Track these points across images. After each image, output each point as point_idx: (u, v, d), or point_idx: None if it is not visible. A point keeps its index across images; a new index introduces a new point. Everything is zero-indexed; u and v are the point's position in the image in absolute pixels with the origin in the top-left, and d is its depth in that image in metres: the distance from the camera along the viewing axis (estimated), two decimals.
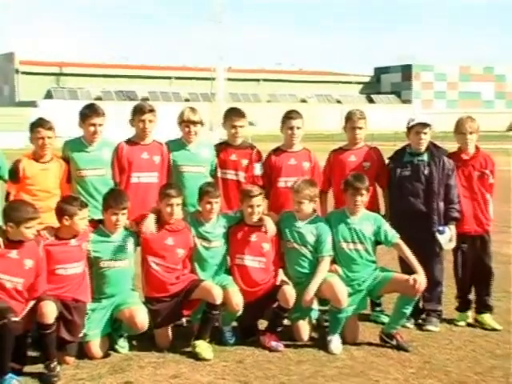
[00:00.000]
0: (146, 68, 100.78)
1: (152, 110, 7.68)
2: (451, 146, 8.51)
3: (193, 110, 7.91)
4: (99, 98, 77.22)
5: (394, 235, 7.37)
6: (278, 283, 7.31)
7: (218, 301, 6.93)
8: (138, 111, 7.62)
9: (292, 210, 7.47)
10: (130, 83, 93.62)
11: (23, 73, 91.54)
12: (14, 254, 6.42)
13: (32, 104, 75.79)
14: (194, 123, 7.73)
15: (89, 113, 7.46)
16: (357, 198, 7.29)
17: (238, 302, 7.11)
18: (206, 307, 7.01)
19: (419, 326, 7.83)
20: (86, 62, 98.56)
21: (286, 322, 7.41)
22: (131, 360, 6.77)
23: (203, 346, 6.89)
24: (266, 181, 7.87)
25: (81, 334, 6.78)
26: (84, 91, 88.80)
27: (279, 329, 7.28)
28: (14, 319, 6.06)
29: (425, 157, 7.90)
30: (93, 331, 6.85)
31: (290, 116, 7.96)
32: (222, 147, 7.96)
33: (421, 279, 7.08)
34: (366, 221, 7.42)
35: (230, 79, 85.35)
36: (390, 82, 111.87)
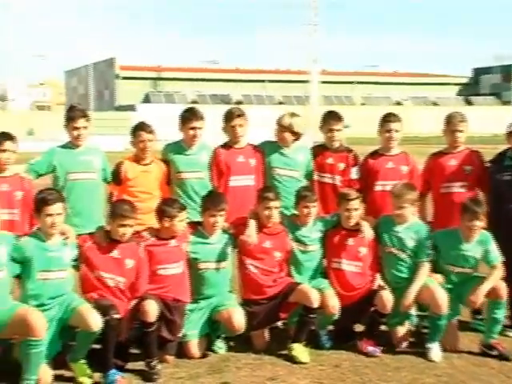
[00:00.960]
0: (240, 72, 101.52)
1: (241, 115, 7.71)
2: None
3: (293, 114, 7.90)
4: (195, 102, 78.28)
5: (496, 257, 7.18)
6: (375, 288, 7.25)
7: (315, 304, 6.90)
8: (228, 117, 7.68)
9: (390, 215, 7.38)
10: (225, 87, 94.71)
11: (123, 78, 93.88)
12: (115, 253, 6.62)
13: (130, 108, 77.48)
14: (293, 128, 7.69)
15: (189, 116, 7.55)
16: (474, 223, 7.08)
17: (334, 305, 7.06)
18: (302, 310, 6.99)
19: None
20: (181, 66, 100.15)
21: (383, 327, 7.36)
22: (228, 361, 6.81)
23: (300, 350, 6.88)
24: (363, 184, 7.76)
25: (180, 334, 6.88)
26: (180, 95, 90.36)
27: (376, 334, 7.23)
28: (116, 317, 6.22)
29: None
30: (192, 331, 6.95)
31: (388, 119, 7.85)
32: (318, 150, 7.90)
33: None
34: (478, 245, 7.18)
35: (323, 82, 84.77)
36: (490, 83, 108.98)
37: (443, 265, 7.29)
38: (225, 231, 7.22)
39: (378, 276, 7.42)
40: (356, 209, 7.25)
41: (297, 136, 7.76)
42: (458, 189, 7.68)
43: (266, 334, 7.26)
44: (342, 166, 7.77)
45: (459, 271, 7.24)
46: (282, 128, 7.70)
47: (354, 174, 7.77)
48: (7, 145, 6.80)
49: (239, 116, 7.67)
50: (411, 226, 7.30)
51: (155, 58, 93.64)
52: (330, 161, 7.76)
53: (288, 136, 7.70)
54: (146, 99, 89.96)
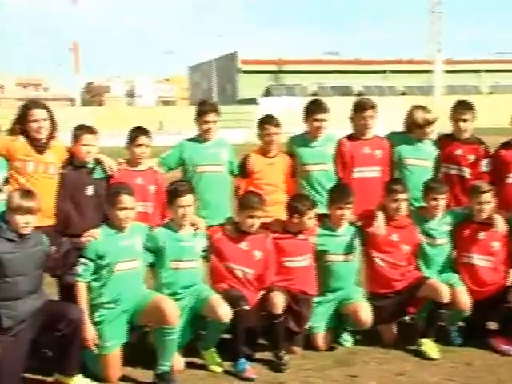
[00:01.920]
0: (360, 63, 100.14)
1: (373, 107, 7.63)
2: None
3: (425, 109, 7.77)
4: (316, 94, 77.56)
5: None
6: (509, 284, 7.04)
7: (446, 299, 6.80)
8: (359, 108, 7.59)
9: None
10: (345, 78, 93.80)
11: (244, 72, 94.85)
12: (244, 244, 6.71)
13: (252, 101, 78.19)
14: (430, 124, 7.58)
15: (314, 108, 7.53)
16: None
17: (465, 301, 6.93)
18: (431, 305, 6.90)
19: None
20: (302, 58, 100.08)
21: None
22: (355, 354, 6.80)
23: (429, 345, 6.79)
24: (495, 177, 7.51)
25: (307, 326, 6.90)
26: (301, 87, 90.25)
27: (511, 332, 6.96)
28: (246, 308, 6.31)
29: None
30: (318, 324, 6.96)
31: None
32: (446, 141, 7.71)
33: None
34: None
35: (447, 71, 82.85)
36: None
37: None
38: (352, 224, 7.18)
39: (511, 272, 7.19)
40: (489, 202, 7.06)
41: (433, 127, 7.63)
42: None
43: (394, 328, 7.19)
44: (471, 157, 7.55)
45: None
46: (419, 125, 7.55)
47: (484, 166, 7.53)
48: (142, 139, 6.97)
49: (372, 107, 7.59)
50: None
51: (276, 52, 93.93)
52: (458, 152, 7.57)
53: (427, 131, 7.57)
54: (267, 92, 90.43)
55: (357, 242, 7.19)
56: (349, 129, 7.74)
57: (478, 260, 7.14)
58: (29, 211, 5.75)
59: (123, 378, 6.12)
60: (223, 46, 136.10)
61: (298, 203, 6.85)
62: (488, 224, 7.10)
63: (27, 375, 6.01)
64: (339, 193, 7.06)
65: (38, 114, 6.55)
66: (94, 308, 6.14)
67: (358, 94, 69.40)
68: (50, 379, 6.03)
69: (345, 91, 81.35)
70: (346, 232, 7.13)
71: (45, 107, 6.68)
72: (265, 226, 6.90)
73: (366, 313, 6.85)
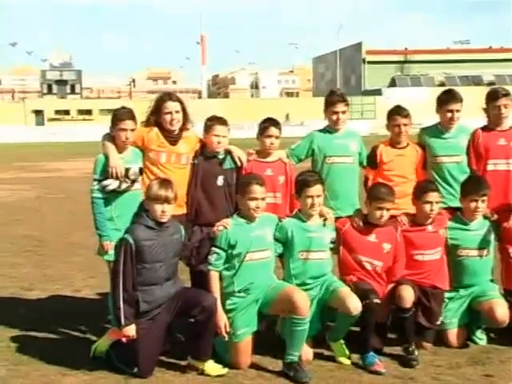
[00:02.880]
0: (492, 51, 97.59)
1: (507, 95, 7.36)
2: None
3: None
4: (442, 84, 76.17)
5: None
6: None
7: None
8: (493, 97, 7.36)
9: None
10: (475, 67, 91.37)
11: (369, 62, 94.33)
12: (372, 237, 6.65)
13: (377, 92, 77.59)
14: None
15: (447, 99, 7.36)
16: None
17: None
18: None
19: None
20: (429, 48, 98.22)
21: None
22: (490, 353, 6.62)
23: None
24: None
25: (438, 322, 6.78)
26: (427, 78, 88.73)
27: None
28: (376, 301, 6.24)
29: None
30: (451, 320, 6.84)
31: None
32: None
33: None
34: None
35: None
36: None
37: None
38: (486, 217, 6.99)
39: None
40: None
41: None
42: None
43: None
44: None
45: None
46: None
47: None
48: (272, 131, 6.99)
49: (505, 95, 7.32)
50: None
51: (402, 42, 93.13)
52: None
53: None
54: (393, 83, 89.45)
55: (491, 237, 7.00)
56: (481, 120, 7.53)
57: None
58: (166, 200, 5.95)
59: (252, 366, 6.17)
60: (349, 35, 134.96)
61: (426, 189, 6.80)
62: None
63: (162, 358, 6.19)
64: (473, 184, 6.90)
65: (172, 106, 6.72)
66: (225, 296, 6.25)
67: (489, 84, 67.30)
68: (183, 363, 6.16)
69: (474, 81, 78.98)
70: (479, 226, 6.95)
71: (178, 100, 6.84)
72: (394, 219, 6.81)
73: (502, 311, 6.66)
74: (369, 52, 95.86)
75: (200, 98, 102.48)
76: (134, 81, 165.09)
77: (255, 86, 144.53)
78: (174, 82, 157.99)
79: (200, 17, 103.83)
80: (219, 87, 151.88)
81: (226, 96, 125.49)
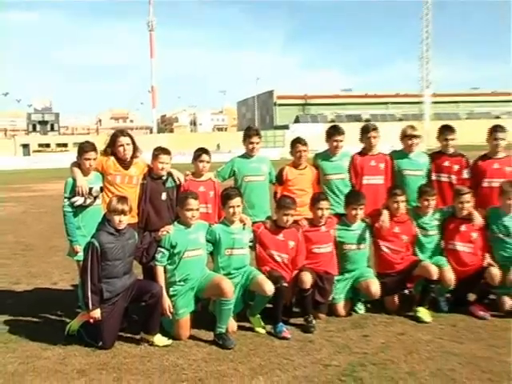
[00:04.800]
0: (368, 97, 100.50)
1: (375, 129, 7.49)
2: None
3: (412, 127, 7.60)
4: (333, 121, 77.62)
5: None
6: (484, 265, 6.81)
7: (435, 277, 6.66)
8: (365, 131, 7.46)
9: (497, 206, 6.97)
10: (356, 108, 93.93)
11: (279, 104, 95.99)
12: (281, 236, 6.64)
13: (285, 127, 78.42)
14: (415, 137, 7.41)
15: (333, 132, 7.40)
16: None
17: (450, 278, 6.77)
18: (424, 281, 6.75)
19: None
20: (323, 94, 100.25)
21: (492, 296, 6.97)
22: (367, 319, 6.70)
23: (423, 312, 6.65)
24: (474, 182, 7.31)
25: (330, 298, 6.81)
26: (322, 116, 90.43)
27: (486, 301, 6.88)
28: (284, 285, 6.24)
29: None
30: (339, 296, 6.88)
31: (496, 129, 7.38)
32: (436, 155, 7.49)
33: None
34: None
35: (434, 102, 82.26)
36: None
37: None
38: (363, 220, 7.04)
39: (487, 255, 6.96)
40: (468, 201, 6.94)
41: (419, 140, 7.46)
42: None
43: (396, 299, 7.04)
44: (456, 167, 7.36)
45: None
46: (407, 137, 7.41)
47: (465, 174, 7.33)
48: (204, 157, 6.92)
49: (374, 129, 7.44)
50: None
51: (303, 89, 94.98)
52: (446, 163, 7.37)
53: (414, 141, 7.38)
54: (297, 120, 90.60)
55: (367, 235, 7.06)
56: (359, 147, 7.59)
57: (461, 247, 6.99)
58: (123, 212, 5.84)
59: (191, 337, 6.09)
60: (263, 85, 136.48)
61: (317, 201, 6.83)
62: (468, 219, 6.97)
63: (121, 333, 6.06)
64: (353, 196, 6.99)
65: (124, 140, 6.56)
66: (169, 285, 6.14)
67: (366, 121, 69.00)
68: (137, 337, 6.05)
69: (356, 118, 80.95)
70: (358, 227, 7.00)
71: (129, 135, 6.70)
72: (297, 223, 6.79)
73: (375, 287, 6.77)
74: (279, 97, 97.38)
75: (151, 133, 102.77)
76: (100, 120, 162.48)
77: (194, 123, 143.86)
78: (132, 121, 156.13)
79: (151, 72, 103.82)
80: (166, 124, 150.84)
81: (171, 131, 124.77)
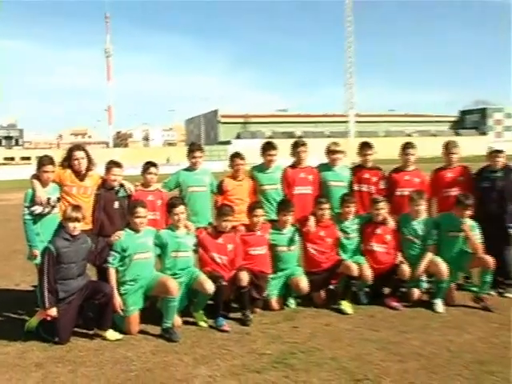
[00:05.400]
0: (301, 116, 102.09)
1: (304, 144, 7.60)
2: None
3: (336, 143, 7.77)
4: (271, 137, 78.24)
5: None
6: (397, 262, 7.05)
7: (355, 274, 6.81)
8: (295, 146, 7.57)
9: (408, 212, 7.19)
10: (291, 126, 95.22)
11: (223, 122, 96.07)
12: (220, 240, 6.65)
13: (228, 143, 78.52)
14: (338, 152, 7.57)
15: (267, 147, 7.48)
16: (466, 212, 6.88)
17: (368, 274, 6.95)
18: (346, 278, 6.89)
19: (500, 294, 7.34)
20: (261, 113, 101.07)
21: (403, 289, 7.16)
22: (297, 312, 6.78)
23: (346, 305, 6.80)
24: (388, 191, 7.53)
25: (265, 294, 6.86)
26: (261, 133, 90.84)
27: (398, 294, 7.07)
28: (223, 283, 6.30)
29: (499, 173, 7.44)
30: (273, 292, 6.91)
31: (407, 146, 7.68)
32: (357, 169, 7.67)
33: (487, 257, 6.74)
34: (471, 223, 6.99)
35: (357, 121, 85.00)
36: (471, 120, 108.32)
37: (444, 233, 7.03)
38: (293, 225, 7.12)
39: (399, 254, 7.20)
40: (383, 208, 7.13)
41: (342, 155, 7.59)
42: (454, 193, 7.37)
43: (323, 294, 7.17)
44: (374, 179, 7.56)
45: (453, 235, 7.01)
46: (331, 152, 7.59)
47: (382, 184, 7.56)
48: (152, 169, 6.94)
49: (303, 145, 7.56)
50: (422, 221, 7.10)
51: (244, 108, 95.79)
52: (366, 176, 7.56)
53: (337, 155, 7.52)
54: (238, 136, 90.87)
55: (297, 238, 7.12)
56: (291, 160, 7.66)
57: (377, 247, 7.15)
58: (76, 220, 5.85)
59: (140, 332, 6.08)
60: (209, 105, 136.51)
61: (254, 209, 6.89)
62: (383, 223, 7.15)
63: (76, 329, 6.02)
64: (284, 204, 7.04)
65: (79, 154, 6.51)
66: (120, 284, 6.12)
67: (299, 137, 70.04)
68: (91, 332, 6.03)
69: (290, 135, 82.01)
70: (289, 231, 7.06)
71: (83, 149, 6.63)
72: (235, 228, 6.86)
73: (304, 284, 6.86)
74: (222, 116, 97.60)
75: (108, 147, 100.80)
76: (61, 136, 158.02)
77: (146, 138, 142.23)
78: (90, 137, 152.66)
79: (108, 93, 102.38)
80: (121, 139, 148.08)
81: (126, 146, 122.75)
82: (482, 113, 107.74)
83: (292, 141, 7.82)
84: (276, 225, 7.09)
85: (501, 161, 7.47)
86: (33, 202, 6.28)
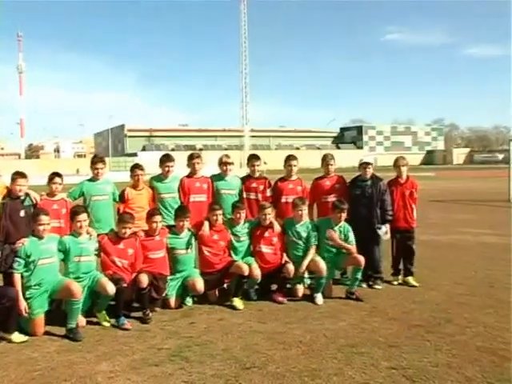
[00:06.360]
0: (201, 131, 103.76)
1: (198, 156, 7.67)
2: (388, 175, 8.55)
3: (227, 155, 7.92)
4: (173, 150, 78.97)
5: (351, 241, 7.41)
6: (283, 262, 7.30)
7: (246, 273, 7.01)
8: (190, 157, 7.66)
9: (292, 217, 7.42)
10: (192, 140, 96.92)
11: (129, 136, 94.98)
12: (121, 245, 6.68)
13: (134, 154, 77.24)
14: (229, 163, 7.77)
15: (165, 159, 7.57)
16: (342, 215, 7.28)
17: (257, 273, 7.15)
18: (238, 277, 7.06)
19: (370, 286, 7.83)
20: (165, 128, 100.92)
21: (289, 286, 7.39)
22: (194, 309, 6.89)
23: (238, 301, 6.97)
24: (274, 198, 7.75)
25: (163, 294, 6.90)
26: (164, 145, 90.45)
27: (284, 290, 7.28)
28: (124, 285, 6.37)
29: (369, 182, 7.94)
30: (171, 292, 6.97)
31: (290, 158, 7.93)
32: (246, 178, 7.86)
33: (359, 256, 7.18)
34: (346, 226, 7.40)
35: (252, 136, 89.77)
36: (350, 136, 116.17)
37: (323, 239, 7.34)
38: (189, 230, 7.20)
39: (284, 255, 7.45)
40: (269, 213, 7.31)
41: (232, 164, 7.75)
42: (331, 199, 7.73)
43: (216, 292, 7.31)
44: (261, 187, 7.75)
45: (330, 243, 7.32)
46: (223, 163, 7.75)
47: (268, 192, 7.76)
48: (56, 179, 6.86)
49: (197, 157, 7.69)
50: (304, 224, 7.36)
51: (149, 123, 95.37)
52: (254, 185, 7.76)
53: (228, 167, 7.68)
54: (144, 149, 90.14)
55: (193, 241, 7.18)
56: (186, 171, 7.76)
57: (265, 248, 7.33)
58: None
59: (45, 333, 6.04)
60: (116, 120, 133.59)
61: (152, 216, 6.94)
62: (270, 227, 7.33)
63: None
64: (180, 211, 7.11)
65: None
66: (25, 289, 6.04)
67: (200, 149, 71.42)
68: None
69: (191, 148, 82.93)
70: (186, 235, 7.10)
71: None
72: (135, 233, 6.83)
73: (200, 285, 6.95)
74: (129, 130, 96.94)
75: (20, 158, 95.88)
76: None
77: (57, 150, 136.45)
78: (2, 148, 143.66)
79: (20, 107, 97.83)
80: (33, 151, 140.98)
81: (38, 157, 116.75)
82: (359, 130, 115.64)
83: (188, 152, 7.91)
84: (174, 230, 7.15)
85: (369, 171, 8.00)
86: None
